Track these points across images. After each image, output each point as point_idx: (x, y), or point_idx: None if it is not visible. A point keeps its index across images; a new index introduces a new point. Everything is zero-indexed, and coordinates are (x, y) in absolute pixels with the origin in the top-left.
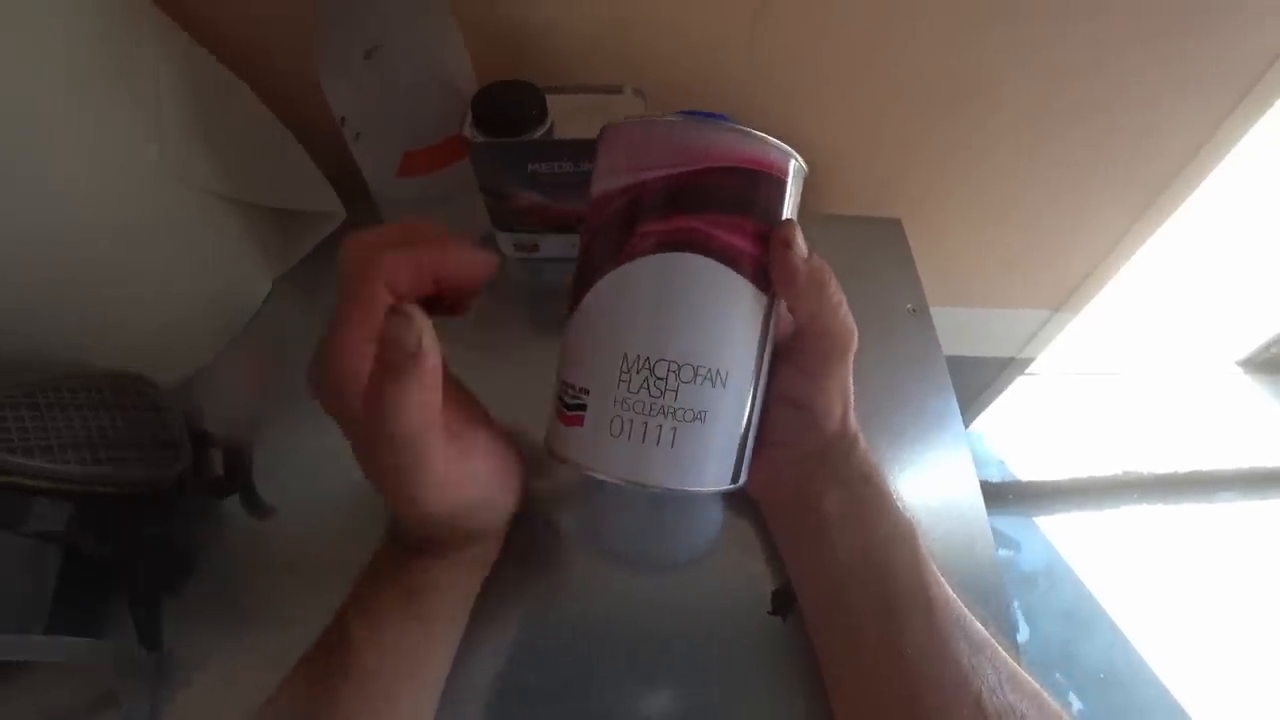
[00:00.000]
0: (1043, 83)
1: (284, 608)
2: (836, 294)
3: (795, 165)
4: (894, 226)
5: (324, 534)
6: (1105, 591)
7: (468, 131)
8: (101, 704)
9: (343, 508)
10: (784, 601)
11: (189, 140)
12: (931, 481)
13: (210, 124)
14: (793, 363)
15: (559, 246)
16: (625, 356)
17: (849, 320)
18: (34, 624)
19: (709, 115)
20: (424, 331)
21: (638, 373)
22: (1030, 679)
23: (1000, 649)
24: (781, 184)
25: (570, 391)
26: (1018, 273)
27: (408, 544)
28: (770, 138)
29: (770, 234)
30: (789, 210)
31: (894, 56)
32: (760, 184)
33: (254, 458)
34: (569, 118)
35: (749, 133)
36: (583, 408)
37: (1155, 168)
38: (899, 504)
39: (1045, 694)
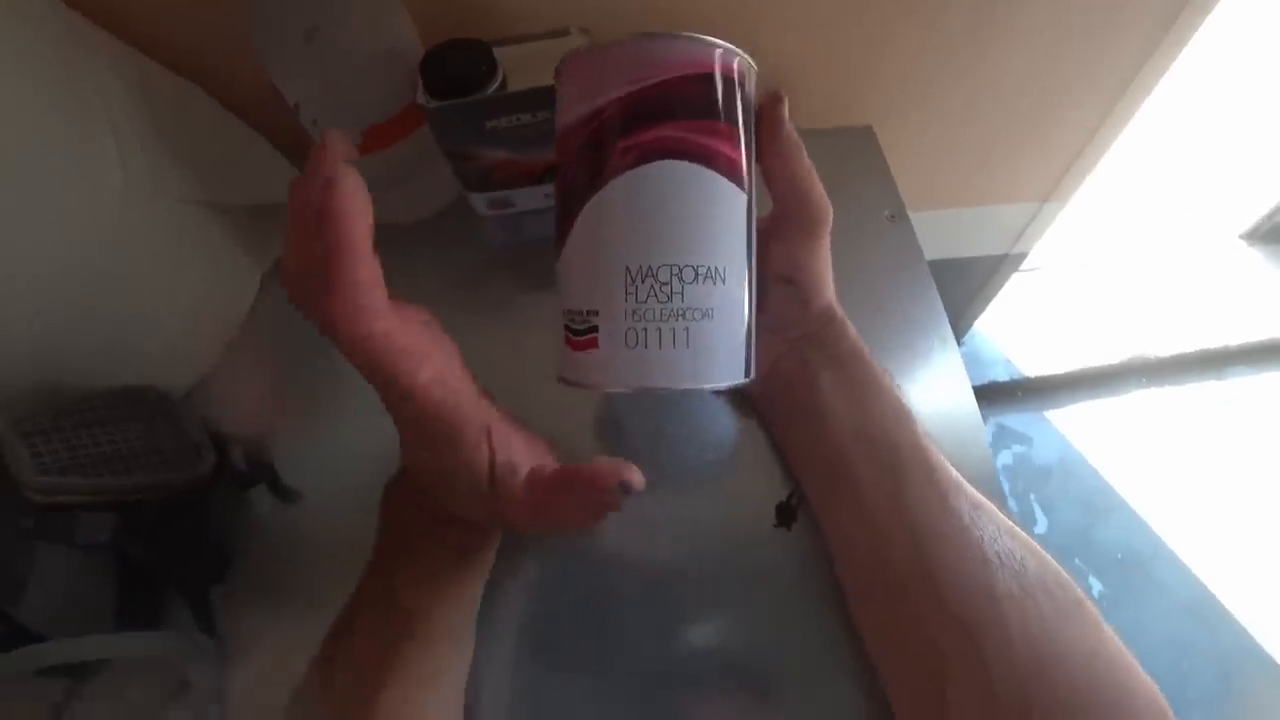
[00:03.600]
0: None
1: (319, 582)
2: (809, 161)
3: (744, 63)
4: (866, 134)
5: (349, 511)
6: (1120, 477)
7: (420, 98)
8: (179, 694)
9: (364, 484)
10: (787, 513)
11: (153, 155)
12: (923, 385)
13: (171, 134)
14: (778, 238)
15: (531, 199)
16: (628, 270)
17: (823, 191)
18: (103, 627)
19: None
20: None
21: (642, 282)
22: (1023, 532)
23: (994, 507)
24: (733, 82)
25: (578, 318)
26: (1000, 167)
27: (434, 509)
28: (719, 40)
29: (732, 133)
30: (750, 106)
31: None
32: (720, 86)
33: (274, 447)
34: (520, 68)
35: (700, 39)
36: (594, 330)
37: (1135, 35)
38: (892, 381)
39: (1037, 544)
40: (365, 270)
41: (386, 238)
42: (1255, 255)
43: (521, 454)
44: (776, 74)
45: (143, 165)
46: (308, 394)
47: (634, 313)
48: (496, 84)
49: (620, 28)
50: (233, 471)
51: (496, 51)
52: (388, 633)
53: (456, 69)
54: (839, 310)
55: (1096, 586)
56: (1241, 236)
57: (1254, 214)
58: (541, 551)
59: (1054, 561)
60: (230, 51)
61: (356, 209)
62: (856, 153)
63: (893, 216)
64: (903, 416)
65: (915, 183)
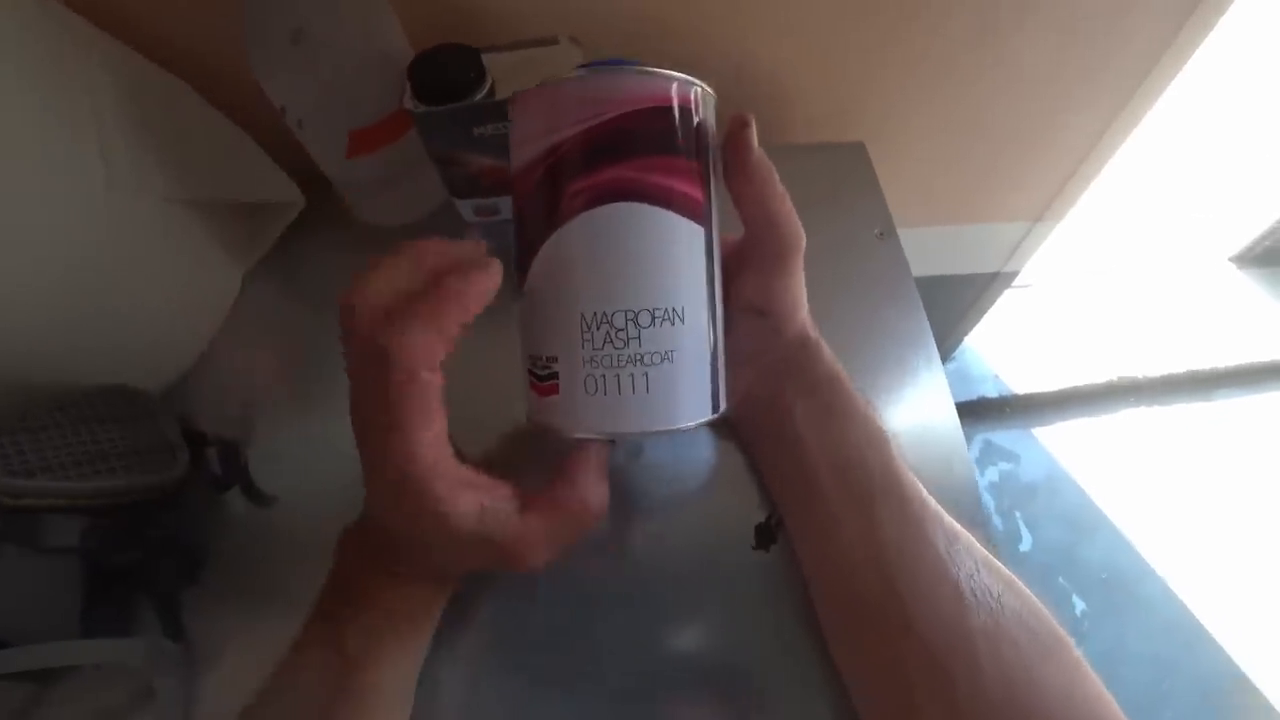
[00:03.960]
0: None
1: (292, 588)
2: (782, 187)
3: (700, 90)
4: (857, 151)
5: (323, 516)
6: (1105, 496)
7: (408, 103)
8: (146, 700)
9: (339, 490)
10: (766, 535)
11: (137, 149)
12: (908, 404)
13: (155, 129)
14: (749, 267)
15: None
16: (582, 317)
17: (795, 216)
18: (68, 633)
19: (612, 62)
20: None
21: (598, 329)
22: (1003, 566)
23: (973, 540)
24: (691, 114)
25: (539, 363)
26: (995, 185)
27: (395, 568)
28: (672, 72)
29: (687, 167)
30: (709, 136)
31: None
32: (673, 119)
33: (249, 450)
34: (509, 75)
35: (652, 72)
36: (555, 376)
37: (1132, 54)
38: (868, 405)
39: (1018, 579)
40: (459, 330)
41: (373, 240)
42: (1244, 278)
43: (506, 501)
44: (772, 83)
45: (126, 160)
46: (284, 396)
47: (591, 360)
48: (485, 91)
49: (611, 37)
50: (207, 474)
51: (485, 58)
52: (329, 678)
53: (445, 74)
54: (813, 333)
55: (1080, 605)
56: (1231, 259)
57: (1244, 237)
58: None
59: (1033, 596)
60: (219, 49)
61: (488, 298)
62: (847, 169)
63: (881, 234)
64: (878, 443)
65: (910, 199)
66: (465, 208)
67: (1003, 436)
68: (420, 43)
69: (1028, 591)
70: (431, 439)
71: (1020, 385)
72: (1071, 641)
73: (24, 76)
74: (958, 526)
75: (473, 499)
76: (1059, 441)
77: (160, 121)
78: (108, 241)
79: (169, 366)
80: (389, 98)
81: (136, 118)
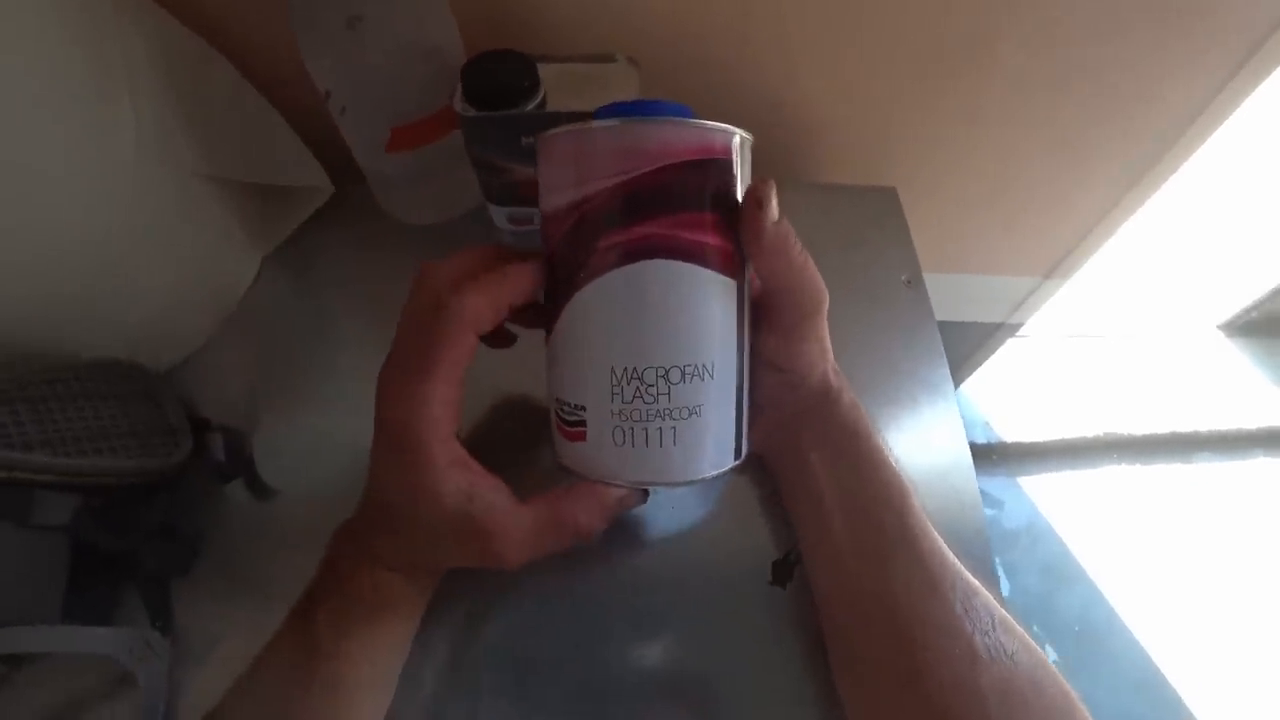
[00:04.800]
0: (1044, 46)
1: (290, 585)
2: (801, 255)
3: (739, 140)
4: (889, 196)
5: (327, 513)
6: (1084, 548)
7: (457, 105)
8: (122, 686)
9: (344, 487)
10: (783, 571)
11: (166, 118)
12: (923, 448)
13: (188, 100)
14: (769, 325)
15: None
16: (613, 371)
17: (817, 278)
18: (49, 615)
19: (641, 107)
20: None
21: (628, 383)
22: (1017, 625)
23: (990, 597)
24: (728, 165)
25: (567, 409)
26: (1011, 240)
27: (376, 550)
28: (708, 121)
29: (722, 220)
30: (741, 186)
31: (894, 18)
32: (709, 172)
33: (254, 440)
34: (562, 87)
35: (688, 123)
36: (582, 423)
37: (1151, 136)
38: (888, 457)
39: (1031, 640)
40: (505, 310)
41: (397, 237)
42: (1230, 346)
43: (497, 492)
44: (812, 119)
45: (155, 127)
46: (295, 387)
47: (620, 413)
48: (537, 101)
49: (664, 59)
50: (210, 462)
51: (539, 68)
52: (298, 671)
53: (499, 80)
54: (835, 382)
55: (1052, 655)
56: (1219, 327)
57: (1232, 307)
58: (530, 592)
59: (1043, 654)
60: (262, 25)
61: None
62: (880, 214)
63: (909, 281)
64: (895, 497)
65: (929, 245)
66: (499, 214)
67: (989, 483)
68: (474, 44)
69: (1039, 650)
70: (446, 398)
71: (1009, 433)
72: (1078, 698)
73: (58, 29)
74: (974, 582)
75: (465, 477)
76: (1043, 491)
77: (192, 91)
78: (128, 208)
79: (176, 346)
80: (436, 96)
81: (169, 84)
